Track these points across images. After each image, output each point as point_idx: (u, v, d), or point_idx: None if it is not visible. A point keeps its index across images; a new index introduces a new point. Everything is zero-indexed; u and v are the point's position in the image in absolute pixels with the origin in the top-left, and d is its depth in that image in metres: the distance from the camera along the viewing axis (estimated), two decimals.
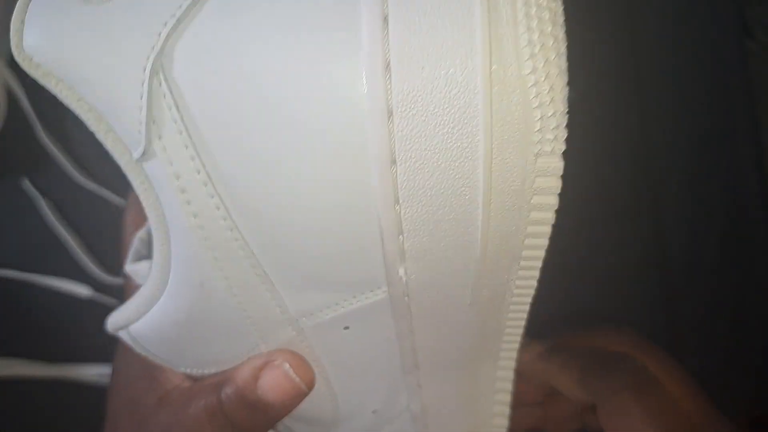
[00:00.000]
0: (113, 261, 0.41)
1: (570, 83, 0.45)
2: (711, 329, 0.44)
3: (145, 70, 0.19)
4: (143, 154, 0.20)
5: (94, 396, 0.41)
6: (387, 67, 0.18)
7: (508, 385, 0.29)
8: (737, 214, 0.44)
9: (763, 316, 0.44)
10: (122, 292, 0.29)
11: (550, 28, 0.18)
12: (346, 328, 0.24)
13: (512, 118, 0.18)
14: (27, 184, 0.41)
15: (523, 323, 0.26)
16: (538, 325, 0.43)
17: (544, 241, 0.22)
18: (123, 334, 0.25)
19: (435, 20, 0.17)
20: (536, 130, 0.19)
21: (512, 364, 0.28)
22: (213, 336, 0.24)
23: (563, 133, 0.19)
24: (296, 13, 0.19)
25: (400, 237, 0.20)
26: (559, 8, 0.19)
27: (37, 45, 0.20)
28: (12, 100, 0.40)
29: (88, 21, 0.20)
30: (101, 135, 0.21)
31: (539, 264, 0.22)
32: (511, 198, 0.20)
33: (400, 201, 0.19)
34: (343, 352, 0.25)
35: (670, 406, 0.26)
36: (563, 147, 0.19)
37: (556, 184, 0.20)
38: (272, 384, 0.24)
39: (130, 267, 0.26)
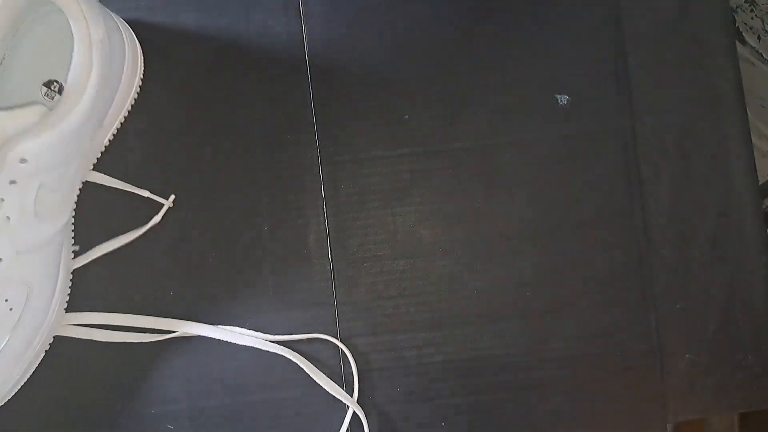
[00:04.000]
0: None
1: (561, 86, 0.46)
2: (700, 327, 0.44)
3: None
4: None
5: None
6: None
7: None
8: (726, 215, 0.45)
9: (751, 314, 0.44)
10: None
11: None
12: None
13: None
14: None
15: None
16: (533, 318, 0.44)
17: None
18: None
19: None
20: None
21: None
22: None
23: None
24: None
25: None
26: None
27: None
28: None
29: None
30: None
31: None
32: None
33: None
34: None
35: None
36: None
37: None
38: None
39: None
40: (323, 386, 0.42)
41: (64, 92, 0.34)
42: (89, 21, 0.34)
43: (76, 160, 0.37)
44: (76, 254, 0.42)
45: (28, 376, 0.40)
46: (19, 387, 0.40)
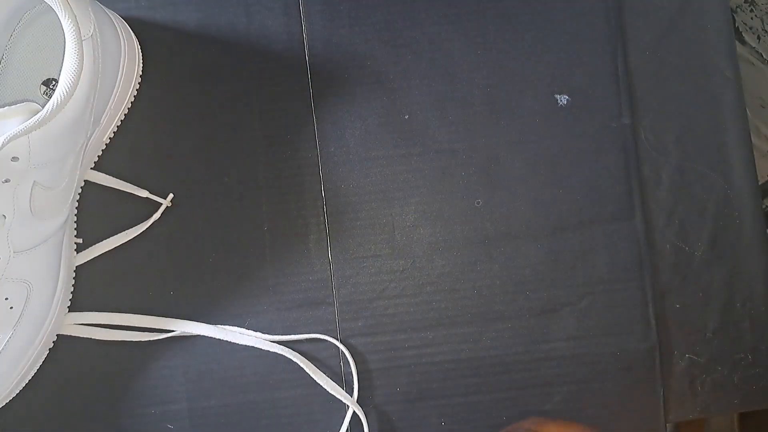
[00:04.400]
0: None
1: (561, 86, 0.46)
2: (700, 327, 0.44)
3: None
4: None
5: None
6: None
7: None
8: (727, 215, 0.45)
9: (751, 314, 0.44)
10: None
11: None
12: None
13: None
14: None
15: None
16: (533, 318, 0.44)
17: None
18: None
19: None
20: None
21: None
22: None
23: None
24: None
25: None
26: None
27: None
28: None
29: None
30: None
31: None
32: None
33: None
34: None
35: None
36: None
37: None
38: None
39: None
40: (323, 386, 0.42)
41: (56, 89, 0.34)
42: (78, 16, 0.34)
43: (71, 157, 0.37)
44: (79, 247, 0.42)
45: (33, 375, 0.40)
46: (23, 385, 0.40)
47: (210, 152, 0.43)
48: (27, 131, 0.32)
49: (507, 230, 0.44)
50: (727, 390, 0.44)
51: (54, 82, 0.38)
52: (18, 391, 0.40)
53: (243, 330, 0.42)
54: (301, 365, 0.42)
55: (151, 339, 0.42)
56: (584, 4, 0.45)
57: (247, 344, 0.42)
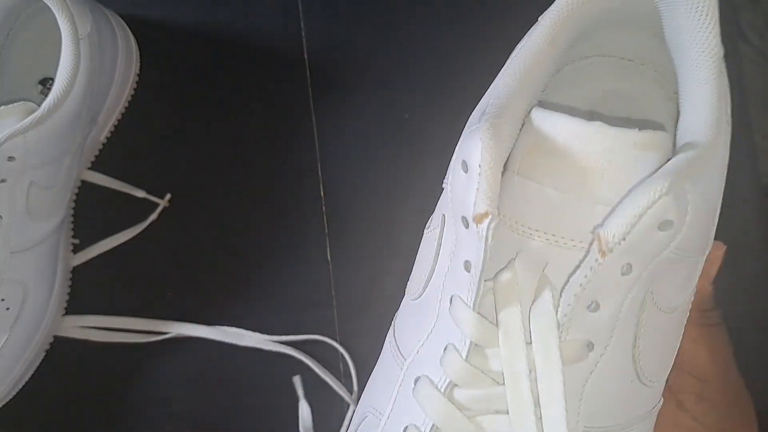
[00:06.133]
0: None
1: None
2: None
3: None
4: None
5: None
6: None
7: None
8: (729, 216, 0.44)
9: (755, 316, 0.44)
10: None
11: None
12: None
13: None
14: None
15: None
16: None
17: None
18: None
19: None
20: None
21: None
22: None
23: None
24: None
25: None
26: None
27: None
28: None
29: None
30: None
31: None
32: None
33: None
34: None
35: None
36: None
37: None
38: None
39: None
40: (328, 381, 0.42)
41: (52, 88, 0.34)
42: (75, 15, 0.34)
43: (68, 157, 0.37)
44: (76, 248, 0.42)
45: (29, 376, 0.40)
46: (20, 387, 0.40)
47: (208, 152, 0.43)
48: (23, 131, 0.32)
49: None
50: None
51: (50, 82, 0.38)
52: (14, 394, 0.39)
53: (242, 331, 0.42)
54: (305, 360, 0.41)
55: (149, 341, 0.41)
56: None
57: (247, 345, 0.42)
